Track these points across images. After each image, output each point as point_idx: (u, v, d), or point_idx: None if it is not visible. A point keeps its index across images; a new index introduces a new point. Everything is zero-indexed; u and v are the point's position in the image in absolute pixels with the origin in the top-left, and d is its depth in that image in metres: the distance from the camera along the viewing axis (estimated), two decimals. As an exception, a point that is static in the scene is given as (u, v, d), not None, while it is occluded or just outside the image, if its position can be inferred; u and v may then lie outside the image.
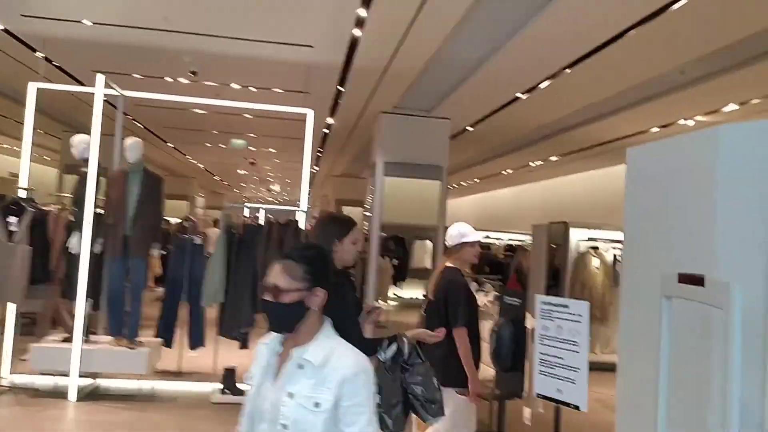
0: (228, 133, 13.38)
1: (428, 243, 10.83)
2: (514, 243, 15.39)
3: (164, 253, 8.50)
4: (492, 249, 14.68)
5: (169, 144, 16.07)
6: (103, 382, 6.74)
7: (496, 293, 5.09)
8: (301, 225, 6.83)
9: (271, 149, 15.60)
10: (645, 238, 2.42)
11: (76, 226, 6.32)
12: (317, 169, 19.07)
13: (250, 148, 15.25)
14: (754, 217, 1.98)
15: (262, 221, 7.33)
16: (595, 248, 9.64)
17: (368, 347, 2.93)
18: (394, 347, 2.90)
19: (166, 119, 12.39)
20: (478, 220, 22.11)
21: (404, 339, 2.93)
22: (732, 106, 8.03)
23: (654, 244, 2.34)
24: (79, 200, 6.34)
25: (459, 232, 3.97)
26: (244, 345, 6.57)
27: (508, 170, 16.00)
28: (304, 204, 7.25)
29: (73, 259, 6.33)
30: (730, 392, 1.47)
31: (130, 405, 6.11)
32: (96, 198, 6.41)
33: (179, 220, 13.71)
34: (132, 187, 6.38)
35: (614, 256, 9.75)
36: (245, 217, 6.76)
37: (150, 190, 6.43)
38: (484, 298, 5.03)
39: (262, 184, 26.82)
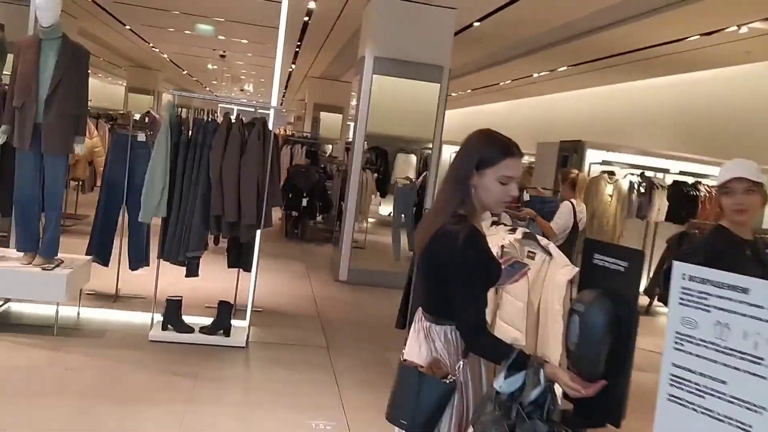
0: (192, 16, 11.55)
1: (412, 157, 9.54)
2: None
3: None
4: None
5: (127, 27, 14.13)
6: (16, 307, 5.42)
7: (526, 230, 3.77)
8: (270, 125, 5.39)
9: (243, 40, 13.77)
10: None
11: (-30, 106, 4.80)
12: (293, 67, 17.26)
13: (220, 36, 13.42)
14: None
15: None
16: (611, 173, 8.41)
17: (497, 352, 2.00)
18: (518, 379, 1.89)
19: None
20: (464, 135, 20.62)
21: (539, 375, 1.88)
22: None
23: None
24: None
25: (720, 174, 2.75)
26: (191, 272, 5.25)
27: (508, 81, 14.44)
28: (274, 99, 5.77)
29: (-33, 151, 4.86)
30: None
31: (43, 340, 4.81)
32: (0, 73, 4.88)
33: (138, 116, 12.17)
34: (46, 61, 4.81)
35: (630, 183, 8.55)
36: (200, 111, 5.26)
37: (70, 66, 4.86)
38: (507, 236, 3.69)
39: (234, 83, 24.83)
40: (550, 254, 3.83)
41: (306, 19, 10.16)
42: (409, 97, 8.27)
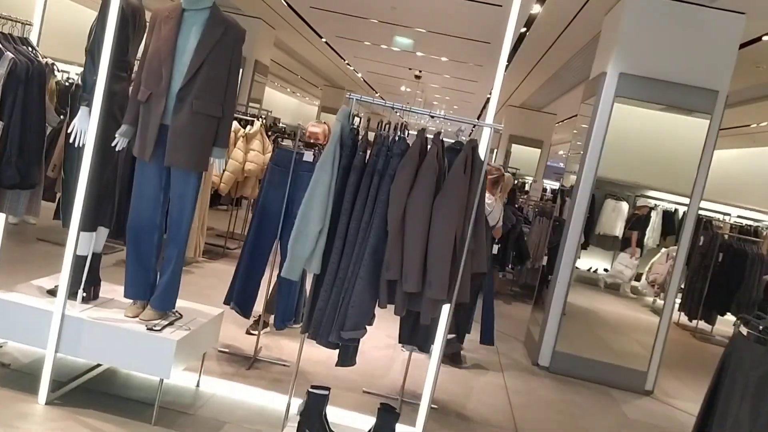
0: (391, 25, 10.25)
1: (623, 205, 7.34)
2: (747, 223, 11.17)
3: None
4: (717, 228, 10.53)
5: (323, 39, 13.31)
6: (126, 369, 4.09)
7: None
8: (482, 151, 3.61)
9: (442, 57, 12.30)
10: None
11: (86, 95, 3.54)
12: (492, 94, 15.52)
13: (417, 53, 12.06)
14: None
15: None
16: None
17: None
18: None
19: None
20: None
21: None
22: None
23: None
24: (94, 49, 3.52)
25: None
26: (345, 361, 3.56)
27: (764, 123, 11.49)
28: (491, 115, 3.97)
29: (74, 154, 3.60)
30: None
31: (135, 429, 3.37)
32: (125, 49, 3.58)
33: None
34: (186, 41, 3.45)
35: None
36: (385, 126, 3.59)
37: (215, 48, 3.46)
38: None
39: (426, 108, 23.69)
40: None
41: (524, 30, 8.36)
42: (659, 132, 6.14)
